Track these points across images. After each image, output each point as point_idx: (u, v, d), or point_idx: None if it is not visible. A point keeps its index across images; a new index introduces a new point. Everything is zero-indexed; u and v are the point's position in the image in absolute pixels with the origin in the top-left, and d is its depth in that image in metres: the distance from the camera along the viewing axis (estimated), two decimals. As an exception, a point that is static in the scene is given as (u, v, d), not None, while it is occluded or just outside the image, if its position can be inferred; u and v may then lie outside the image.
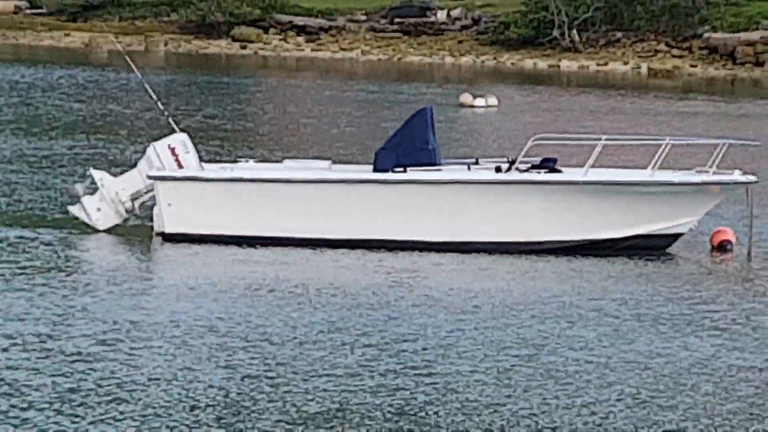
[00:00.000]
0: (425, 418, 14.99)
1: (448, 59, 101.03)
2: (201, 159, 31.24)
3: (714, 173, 29.21)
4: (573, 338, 21.24)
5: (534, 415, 15.69)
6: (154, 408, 19.49)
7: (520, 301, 24.80)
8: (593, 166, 29.21)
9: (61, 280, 25.52)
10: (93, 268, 27.01)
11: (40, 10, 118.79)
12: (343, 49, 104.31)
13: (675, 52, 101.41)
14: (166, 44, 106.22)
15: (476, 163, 30.77)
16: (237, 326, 21.82)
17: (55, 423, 16.19)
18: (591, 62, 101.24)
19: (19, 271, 25.88)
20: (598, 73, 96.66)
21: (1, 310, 21.72)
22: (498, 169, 29.82)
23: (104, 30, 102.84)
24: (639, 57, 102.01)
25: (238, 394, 18.90)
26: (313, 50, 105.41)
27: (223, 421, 16.88)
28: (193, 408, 19.28)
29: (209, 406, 19.76)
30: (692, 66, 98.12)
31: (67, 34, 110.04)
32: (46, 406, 18.28)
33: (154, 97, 35.91)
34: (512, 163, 29.53)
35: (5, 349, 19.72)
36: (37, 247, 28.92)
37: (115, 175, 30.31)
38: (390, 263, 28.64)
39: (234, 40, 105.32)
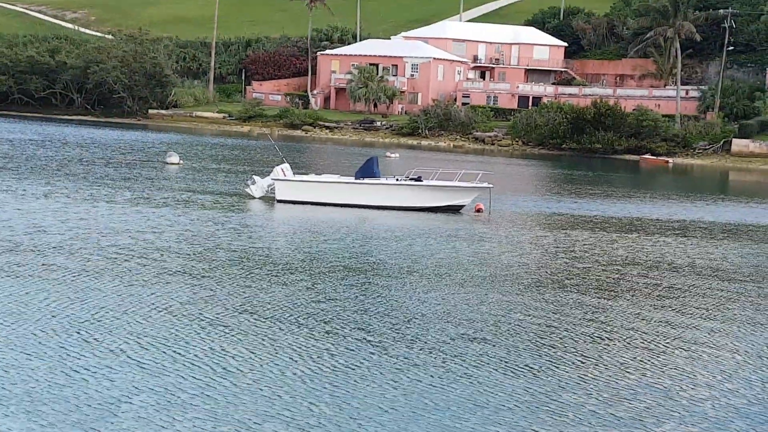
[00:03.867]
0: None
1: (381, 140, 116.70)
2: (294, 172, 52.17)
3: (478, 183, 51.49)
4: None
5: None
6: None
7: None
8: (434, 179, 51.65)
9: (239, 213, 47.71)
10: (252, 208, 48.80)
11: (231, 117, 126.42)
12: (342, 135, 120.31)
13: (465, 140, 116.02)
14: (279, 131, 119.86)
15: (395, 178, 52.98)
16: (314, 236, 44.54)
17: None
18: (433, 141, 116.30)
19: (222, 208, 48.14)
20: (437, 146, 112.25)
21: (211, 225, 41.96)
22: (398, 180, 51.53)
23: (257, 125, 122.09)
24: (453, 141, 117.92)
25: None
26: (331, 136, 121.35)
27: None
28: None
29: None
30: (469, 145, 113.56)
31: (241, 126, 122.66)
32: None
33: (277, 149, 57.03)
34: (407, 177, 51.80)
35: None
36: (233, 199, 50.80)
37: (263, 177, 52.41)
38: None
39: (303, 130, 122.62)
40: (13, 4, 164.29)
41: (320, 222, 44.59)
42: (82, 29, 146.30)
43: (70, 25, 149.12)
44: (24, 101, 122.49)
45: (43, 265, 30.41)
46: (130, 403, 17.48)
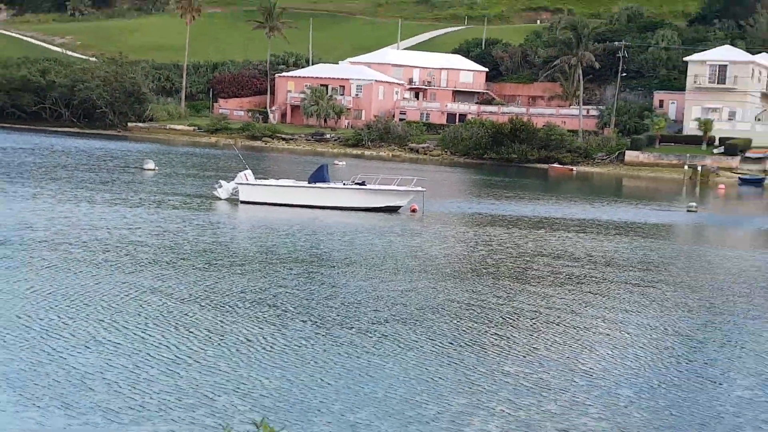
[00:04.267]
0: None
1: (330, 150, 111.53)
2: (255, 177, 51.39)
3: (413, 188, 50.87)
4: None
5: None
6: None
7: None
8: (362, 186, 50.31)
9: (206, 212, 46.79)
10: (218, 209, 47.61)
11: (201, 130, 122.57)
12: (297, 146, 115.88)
13: (401, 151, 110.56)
14: (242, 141, 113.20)
15: (342, 183, 52.45)
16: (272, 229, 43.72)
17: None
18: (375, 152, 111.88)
19: (191, 208, 47.20)
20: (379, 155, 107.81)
21: (181, 221, 43.96)
22: (345, 184, 50.93)
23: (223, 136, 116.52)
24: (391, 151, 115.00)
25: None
26: (287, 146, 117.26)
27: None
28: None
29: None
30: (405, 155, 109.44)
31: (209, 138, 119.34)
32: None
33: (241, 157, 53.07)
34: (353, 182, 51.19)
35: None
36: (201, 201, 49.55)
37: (228, 181, 51.08)
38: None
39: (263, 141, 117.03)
40: (8, 31, 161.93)
41: (277, 220, 44.25)
42: (69, 53, 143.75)
43: (58, 49, 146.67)
44: (17, 115, 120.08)
45: (29, 256, 30.08)
46: (102, 375, 17.33)
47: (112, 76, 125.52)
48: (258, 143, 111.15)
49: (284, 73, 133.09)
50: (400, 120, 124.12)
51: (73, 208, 43.89)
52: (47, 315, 22.09)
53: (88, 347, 19.39)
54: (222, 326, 21.85)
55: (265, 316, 23.20)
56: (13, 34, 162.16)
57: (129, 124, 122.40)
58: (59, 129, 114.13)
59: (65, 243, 33.23)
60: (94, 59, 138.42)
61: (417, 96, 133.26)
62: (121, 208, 45.35)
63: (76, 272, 27.82)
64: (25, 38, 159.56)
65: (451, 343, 21.37)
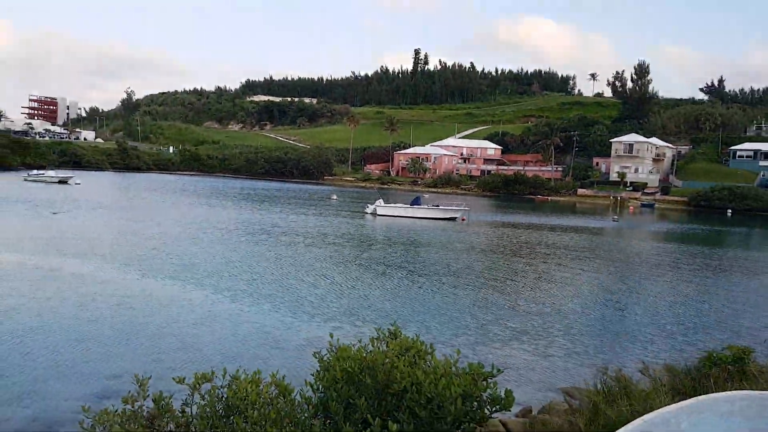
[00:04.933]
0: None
1: (420, 189, 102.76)
2: (384, 202, 49.42)
3: (462, 207, 48.99)
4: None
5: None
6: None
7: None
8: (437, 207, 48.79)
9: (360, 220, 45.99)
10: (366, 218, 46.18)
11: (357, 180, 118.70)
12: (404, 187, 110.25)
13: (457, 189, 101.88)
14: (377, 185, 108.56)
15: (427, 205, 49.31)
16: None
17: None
18: (442, 190, 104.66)
19: (353, 217, 46.49)
20: (444, 192, 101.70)
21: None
22: (428, 206, 48.64)
23: (368, 183, 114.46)
24: (452, 190, 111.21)
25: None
26: (398, 187, 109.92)
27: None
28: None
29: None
30: (458, 191, 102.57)
31: (362, 183, 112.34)
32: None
33: (378, 193, 60.81)
34: (432, 205, 49.42)
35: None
36: (358, 214, 48.26)
37: (371, 204, 49.26)
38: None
39: (387, 185, 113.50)
40: (270, 134, 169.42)
41: (395, 224, 43.59)
42: (298, 144, 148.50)
43: (292, 142, 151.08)
44: (273, 174, 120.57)
45: (278, 240, 30.35)
46: (323, 296, 17.31)
47: (316, 153, 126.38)
48: (385, 186, 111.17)
49: (399, 151, 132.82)
50: (456, 173, 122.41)
51: (297, 218, 44.24)
52: (296, 269, 22.30)
53: (314, 282, 19.72)
54: (365, 275, 22.05)
55: (387, 270, 23.09)
56: (272, 136, 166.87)
57: (324, 177, 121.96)
58: (291, 180, 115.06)
59: (291, 233, 34.08)
60: (308, 146, 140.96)
61: (465, 161, 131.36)
62: (319, 217, 45.56)
63: (296, 246, 28.21)
64: (277, 138, 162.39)
65: (481, 286, 20.98)
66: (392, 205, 51.12)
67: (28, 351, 11.14)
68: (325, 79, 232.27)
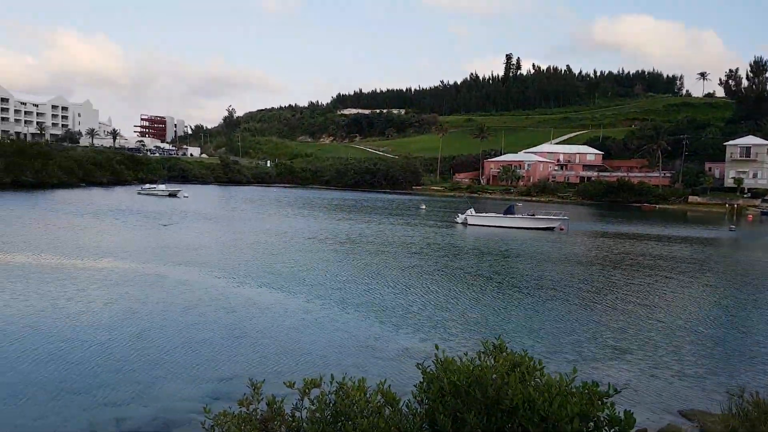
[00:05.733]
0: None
1: (513, 198, 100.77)
2: (475, 211, 48.67)
3: (561, 216, 47.18)
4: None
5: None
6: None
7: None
8: (533, 216, 47.02)
9: (450, 229, 44.83)
10: (457, 227, 45.18)
11: (446, 189, 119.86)
12: (495, 195, 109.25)
13: (553, 198, 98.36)
14: (467, 194, 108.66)
15: (521, 214, 48.23)
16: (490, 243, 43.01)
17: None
18: (536, 198, 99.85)
19: (442, 227, 45.76)
20: (539, 200, 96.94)
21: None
22: (522, 215, 47.42)
23: (457, 192, 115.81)
24: (548, 199, 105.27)
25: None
26: (490, 196, 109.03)
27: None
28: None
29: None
30: (555, 200, 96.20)
31: (461, 193, 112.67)
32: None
33: (468, 202, 56.13)
34: (527, 214, 48.17)
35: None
36: (448, 223, 47.62)
37: (461, 213, 48.94)
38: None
39: (478, 194, 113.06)
40: (359, 146, 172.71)
41: (487, 233, 42.83)
42: (386, 154, 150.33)
43: (381, 153, 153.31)
44: (361, 184, 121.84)
45: (366, 249, 30.69)
46: (408, 304, 17.31)
47: (404, 163, 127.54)
48: (475, 195, 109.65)
49: (489, 159, 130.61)
50: (552, 181, 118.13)
51: (385, 227, 44.35)
52: (385, 279, 22.42)
53: (404, 292, 19.66)
54: (455, 286, 21.74)
55: (478, 281, 22.77)
56: (361, 147, 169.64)
57: (413, 187, 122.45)
58: (379, 190, 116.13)
59: (380, 242, 34.23)
60: (396, 156, 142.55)
61: (562, 168, 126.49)
62: (407, 226, 45.53)
63: (385, 256, 28.29)
64: (366, 149, 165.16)
65: (580, 300, 19.94)
66: (484, 214, 50.16)
67: (143, 352, 12.07)
68: (413, 90, 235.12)
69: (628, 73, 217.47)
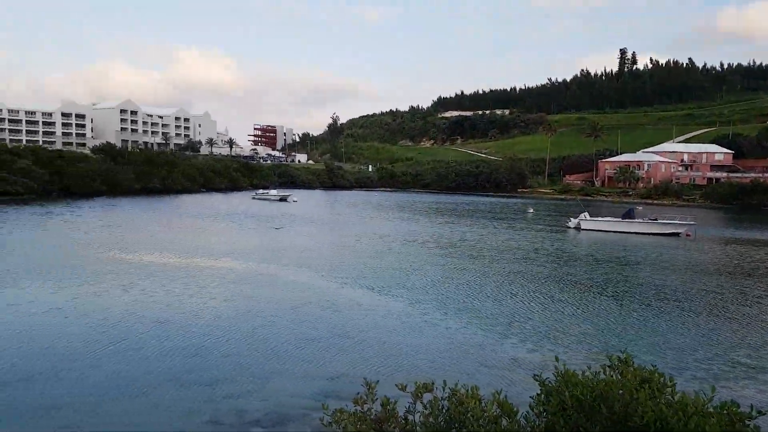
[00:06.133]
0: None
1: (632, 201, 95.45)
2: (590, 215, 46.25)
3: (688, 221, 44.05)
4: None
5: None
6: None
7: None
8: (655, 220, 43.99)
9: (561, 234, 42.92)
10: (568, 233, 43.20)
11: (555, 191, 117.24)
12: (611, 199, 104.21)
13: (677, 200, 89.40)
14: (579, 197, 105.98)
15: (642, 218, 45.60)
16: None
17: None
18: (657, 201, 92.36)
19: (551, 232, 43.83)
20: (662, 203, 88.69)
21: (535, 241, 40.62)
22: (644, 220, 44.28)
23: (567, 195, 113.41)
24: (671, 201, 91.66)
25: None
26: (605, 199, 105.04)
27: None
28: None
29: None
30: (679, 203, 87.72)
31: (561, 195, 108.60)
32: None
33: (581, 205, 57.88)
34: (649, 218, 45.06)
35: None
36: (557, 228, 45.59)
37: (574, 217, 46.97)
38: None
39: (591, 197, 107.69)
40: (460, 148, 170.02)
41: (603, 239, 40.61)
42: (489, 156, 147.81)
43: (483, 155, 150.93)
44: (464, 187, 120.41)
45: (468, 253, 30.12)
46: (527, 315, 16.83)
47: (509, 165, 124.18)
48: (588, 197, 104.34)
49: (604, 159, 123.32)
50: (675, 182, 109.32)
51: (488, 231, 43.60)
52: (489, 285, 22.00)
53: (511, 298, 19.20)
54: (567, 294, 20.78)
55: (593, 290, 21.61)
56: (462, 150, 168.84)
57: (518, 190, 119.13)
58: (482, 193, 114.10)
59: (483, 247, 33.64)
60: (500, 158, 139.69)
61: (686, 168, 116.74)
62: (512, 231, 44.48)
63: (488, 261, 27.61)
64: (468, 151, 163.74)
65: (709, 313, 18.21)
66: (599, 218, 47.66)
67: (258, 347, 12.76)
68: (518, 89, 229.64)
69: (761, 64, 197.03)
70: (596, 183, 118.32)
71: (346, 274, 22.54)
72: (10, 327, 13.93)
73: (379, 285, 20.38)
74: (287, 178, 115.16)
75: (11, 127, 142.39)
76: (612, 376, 4.13)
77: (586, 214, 47.40)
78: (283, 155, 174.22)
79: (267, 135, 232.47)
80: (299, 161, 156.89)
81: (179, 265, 23.73)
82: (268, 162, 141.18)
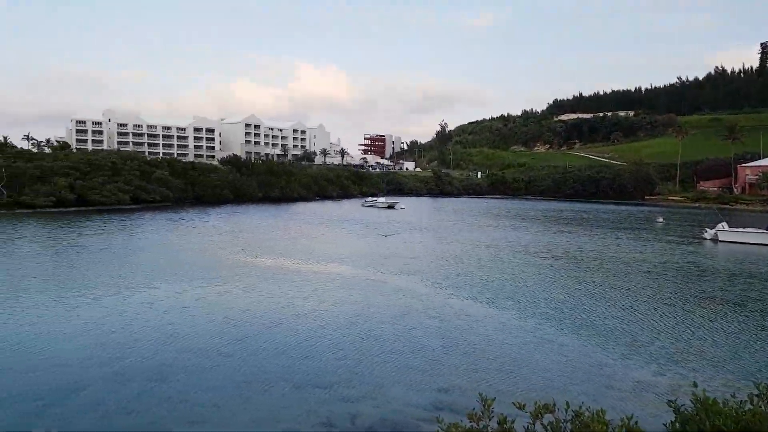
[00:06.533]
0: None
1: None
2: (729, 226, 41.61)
3: None
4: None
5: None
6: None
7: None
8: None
9: (695, 246, 38.71)
10: (704, 244, 39.01)
11: (688, 199, 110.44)
12: (751, 207, 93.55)
13: None
14: (716, 206, 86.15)
15: None
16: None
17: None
18: None
19: (684, 243, 39.57)
20: None
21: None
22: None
23: (702, 203, 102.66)
24: None
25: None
26: (745, 207, 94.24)
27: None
28: None
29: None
30: None
31: (693, 203, 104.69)
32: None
33: (719, 215, 48.22)
34: None
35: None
36: (691, 239, 41.55)
37: (711, 228, 42.76)
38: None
39: (729, 205, 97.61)
40: (580, 153, 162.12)
41: (745, 252, 36.42)
42: (612, 161, 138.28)
43: (605, 160, 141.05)
44: (583, 194, 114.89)
45: (576, 262, 28.58)
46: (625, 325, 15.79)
47: (634, 171, 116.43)
48: (727, 206, 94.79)
49: (744, 164, 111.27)
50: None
51: (611, 242, 40.91)
52: (612, 300, 20.78)
53: (637, 316, 17.98)
54: (702, 313, 18.95)
55: (733, 309, 19.51)
56: (581, 154, 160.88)
57: (645, 197, 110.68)
58: (604, 201, 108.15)
59: (605, 259, 31.37)
60: (624, 163, 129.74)
61: None
62: (639, 242, 41.50)
63: (611, 274, 25.86)
64: (587, 156, 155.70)
65: None
66: (740, 229, 43.02)
67: (369, 353, 12.99)
68: (643, 89, 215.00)
69: None
70: (735, 190, 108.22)
71: (453, 283, 22.48)
72: (144, 324, 15.34)
73: (487, 296, 20.09)
74: (395, 186, 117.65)
75: (150, 141, 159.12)
76: (761, 406, 3.73)
77: (725, 224, 43.08)
78: (392, 163, 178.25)
79: (376, 144, 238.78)
80: (407, 169, 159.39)
81: (294, 268, 24.86)
82: (377, 170, 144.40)
